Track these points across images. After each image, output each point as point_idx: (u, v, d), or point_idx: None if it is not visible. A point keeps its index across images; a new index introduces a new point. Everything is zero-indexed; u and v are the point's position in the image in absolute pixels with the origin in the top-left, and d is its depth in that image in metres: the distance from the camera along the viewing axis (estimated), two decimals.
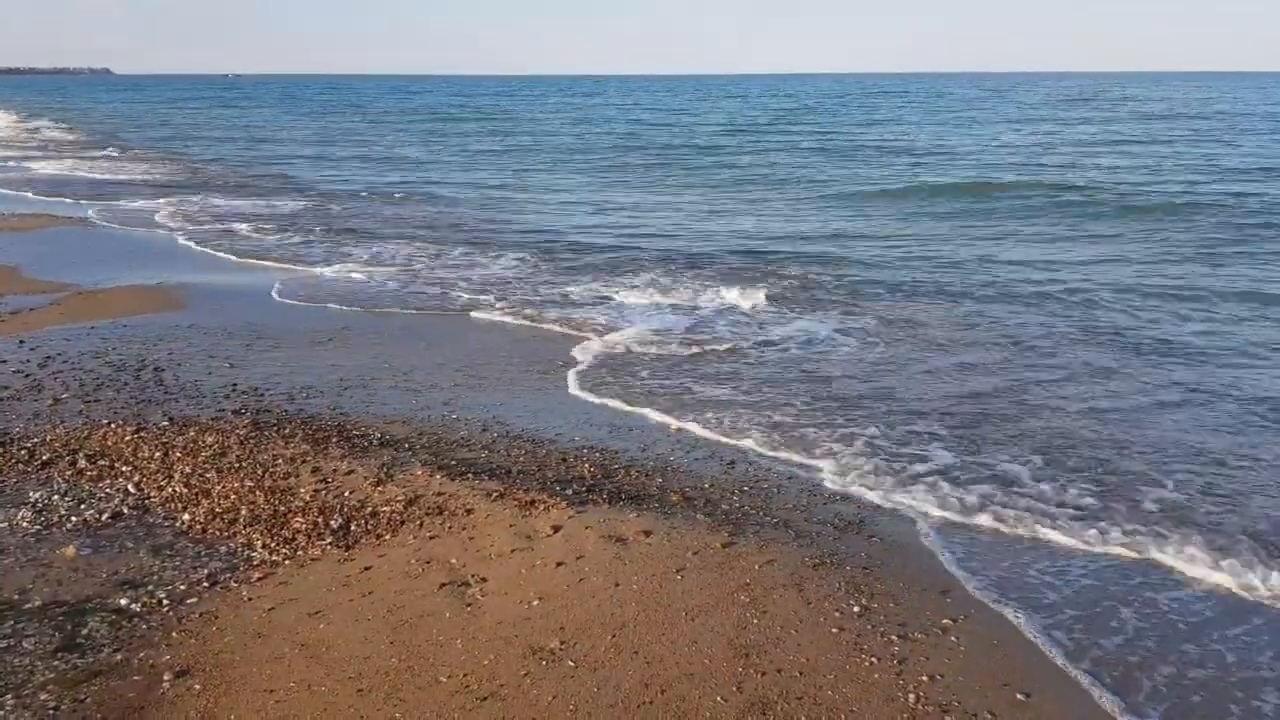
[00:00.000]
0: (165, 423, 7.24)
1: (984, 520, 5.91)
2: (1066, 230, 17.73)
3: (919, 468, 6.70)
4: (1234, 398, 8.17)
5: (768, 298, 11.99)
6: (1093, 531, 5.73)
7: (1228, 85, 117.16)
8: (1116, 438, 7.25)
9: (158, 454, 6.57)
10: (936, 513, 6.02)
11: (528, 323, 10.94)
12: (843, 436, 7.29)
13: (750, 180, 26.61)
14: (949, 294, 12.42)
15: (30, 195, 22.74)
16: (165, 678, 4.15)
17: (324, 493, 6.01)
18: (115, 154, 35.88)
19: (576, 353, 9.61)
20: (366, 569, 5.12)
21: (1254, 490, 6.35)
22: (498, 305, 11.66)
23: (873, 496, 6.26)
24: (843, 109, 67.16)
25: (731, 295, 12.06)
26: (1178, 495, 6.25)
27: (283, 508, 5.77)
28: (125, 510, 5.75)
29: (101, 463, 6.44)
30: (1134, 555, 5.49)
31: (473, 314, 11.31)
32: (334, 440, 6.94)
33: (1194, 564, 5.37)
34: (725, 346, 9.87)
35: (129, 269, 13.60)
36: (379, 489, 6.08)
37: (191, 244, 16.17)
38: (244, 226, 17.82)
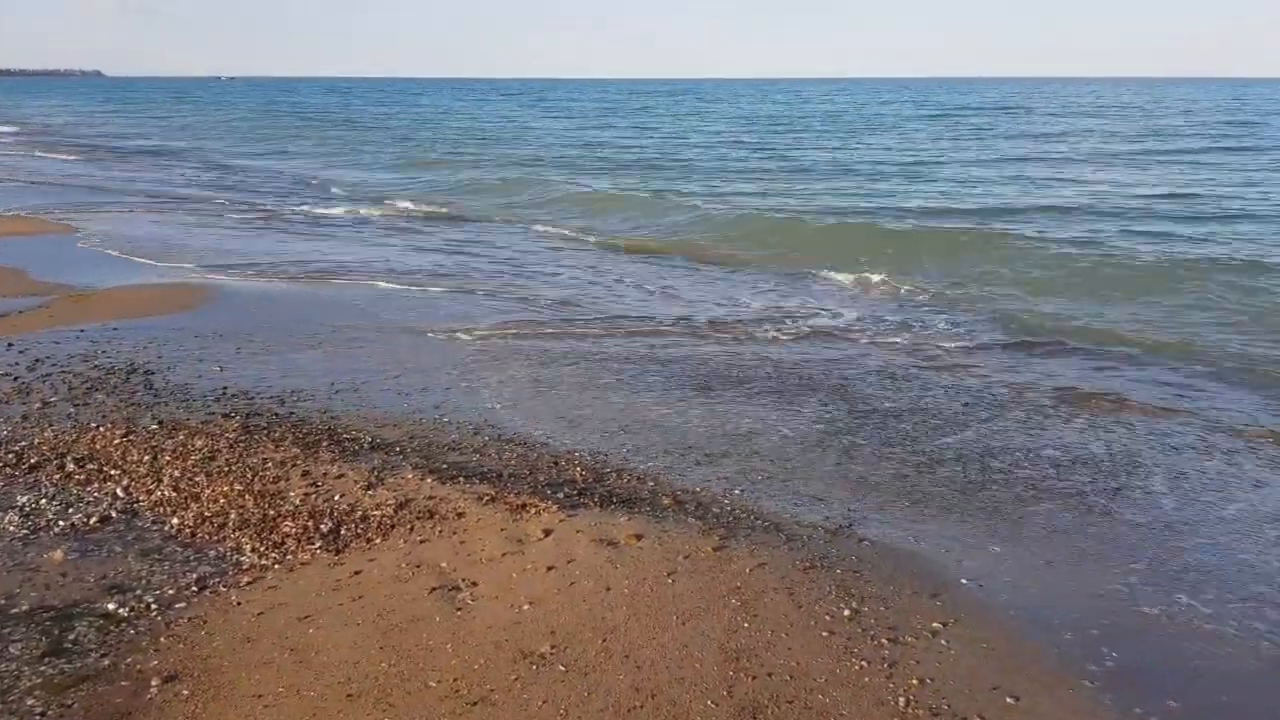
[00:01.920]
0: (154, 426, 7.21)
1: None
2: None
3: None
4: None
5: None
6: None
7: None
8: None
9: (147, 457, 6.54)
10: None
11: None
12: None
13: None
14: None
15: None
16: (153, 683, 4.12)
17: (314, 496, 5.99)
18: None
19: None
20: (357, 573, 5.10)
21: None
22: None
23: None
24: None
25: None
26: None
27: (272, 512, 5.75)
28: (113, 514, 5.72)
29: (90, 466, 6.40)
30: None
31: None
32: (324, 444, 6.92)
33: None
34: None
35: None
36: (369, 492, 6.06)
37: None
38: None
